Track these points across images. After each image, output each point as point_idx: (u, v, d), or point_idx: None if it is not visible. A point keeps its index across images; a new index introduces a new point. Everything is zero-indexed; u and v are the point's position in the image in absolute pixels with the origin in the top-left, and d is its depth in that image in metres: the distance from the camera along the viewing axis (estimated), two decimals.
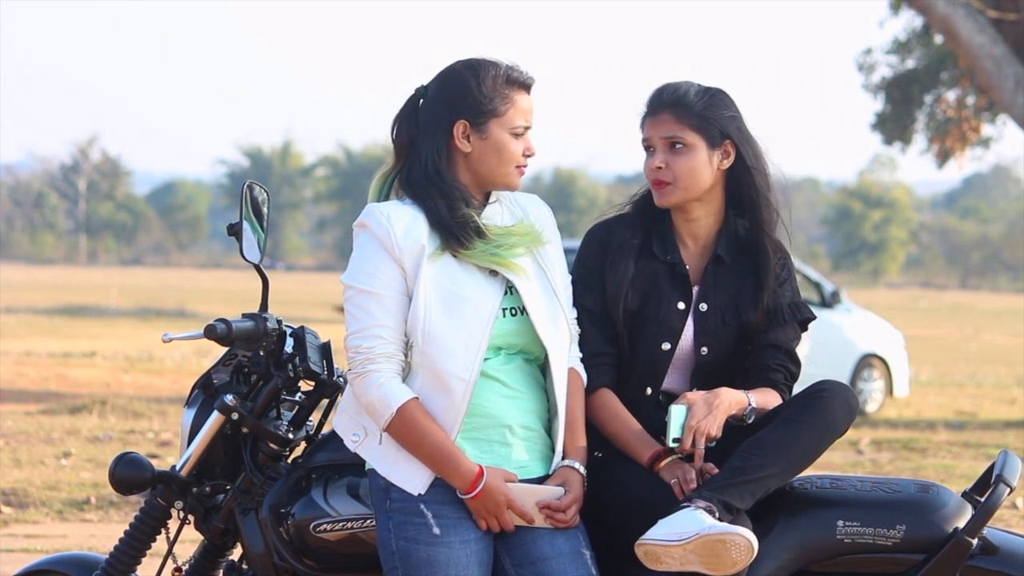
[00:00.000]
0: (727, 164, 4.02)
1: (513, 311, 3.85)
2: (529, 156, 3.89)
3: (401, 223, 3.80)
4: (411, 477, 3.78)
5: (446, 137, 3.85)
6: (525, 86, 3.89)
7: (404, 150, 3.89)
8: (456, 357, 3.77)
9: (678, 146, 3.98)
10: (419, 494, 3.77)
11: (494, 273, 3.84)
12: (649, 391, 4.02)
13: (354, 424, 3.86)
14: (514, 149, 3.86)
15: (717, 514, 3.70)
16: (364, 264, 3.81)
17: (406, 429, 3.76)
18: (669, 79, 4.11)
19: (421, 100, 3.90)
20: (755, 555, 3.69)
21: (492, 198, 3.92)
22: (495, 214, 3.90)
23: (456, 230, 3.80)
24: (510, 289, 3.85)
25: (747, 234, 4.05)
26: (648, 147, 4.03)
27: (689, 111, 3.99)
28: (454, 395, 3.77)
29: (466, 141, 3.85)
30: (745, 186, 4.02)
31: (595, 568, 3.82)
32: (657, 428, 3.97)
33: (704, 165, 3.99)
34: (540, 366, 3.89)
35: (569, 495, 3.82)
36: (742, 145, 4.01)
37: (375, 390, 3.76)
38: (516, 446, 3.84)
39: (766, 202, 4.03)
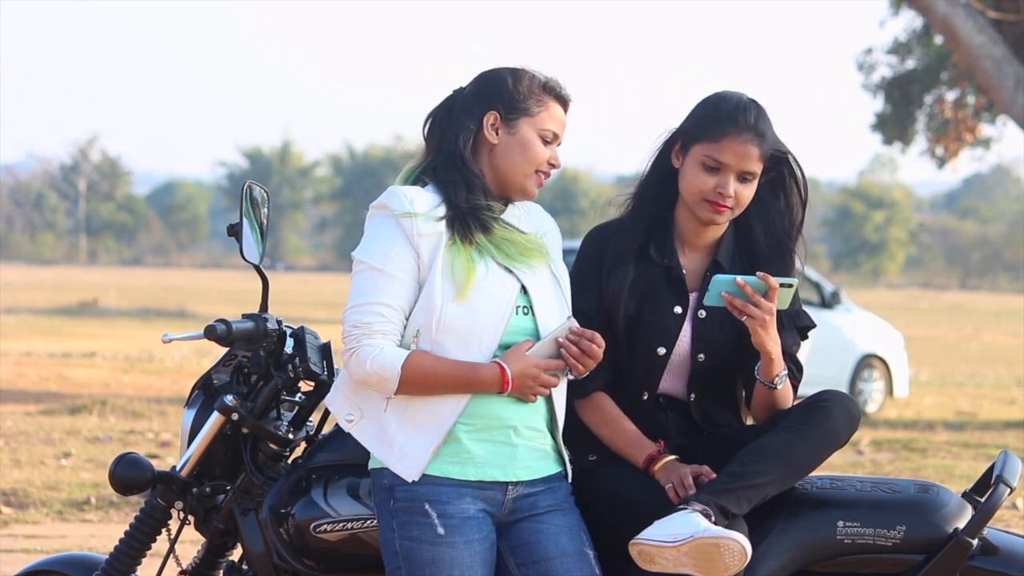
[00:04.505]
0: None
1: (526, 309, 3.84)
2: (554, 167, 3.89)
3: (423, 208, 3.79)
4: (406, 462, 3.75)
5: (476, 125, 3.86)
6: (561, 99, 3.91)
7: (434, 146, 3.90)
8: (469, 348, 3.76)
9: (749, 177, 3.96)
10: (413, 480, 3.75)
11: (510, 270, 3.84)
12: (646, 396, 4.01)
13: (348, 404, 3.84)
14: (540, 150, 3.86)
15: (713, 518, 3.70)
16: (379, 242, 3.79)
17: (417, 378, 3.73)
18: (722, 94, 4.00)
19: (456, 100, 3.92)
20: (748, 560, 3.69)
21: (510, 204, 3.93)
22: (514, 218, 3.90)
23: (470, 216, 3.80)
24: (524, 288, 3.85)
25: (751, 243, 4.04)
26: (716, 166, 3.95)
27: (767, 144, 3.96)
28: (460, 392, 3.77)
29: (494, 133, 3.86)
30: (774, 206, 4.03)
31: (598, 568, 3.83)
32: (653, 431, 3.97)
33: (754, 191, 4.00)
34: None
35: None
36: (794, 172, 4.02)
37: (371, 362, 3.73)
38: (520, 446, 3.83)
39: (792, 221, 4.04)
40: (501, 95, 3.87)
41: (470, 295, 3.77)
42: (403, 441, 3.77)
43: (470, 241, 3.80)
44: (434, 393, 3.75)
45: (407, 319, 3.79)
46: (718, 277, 3.85)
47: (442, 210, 3.80)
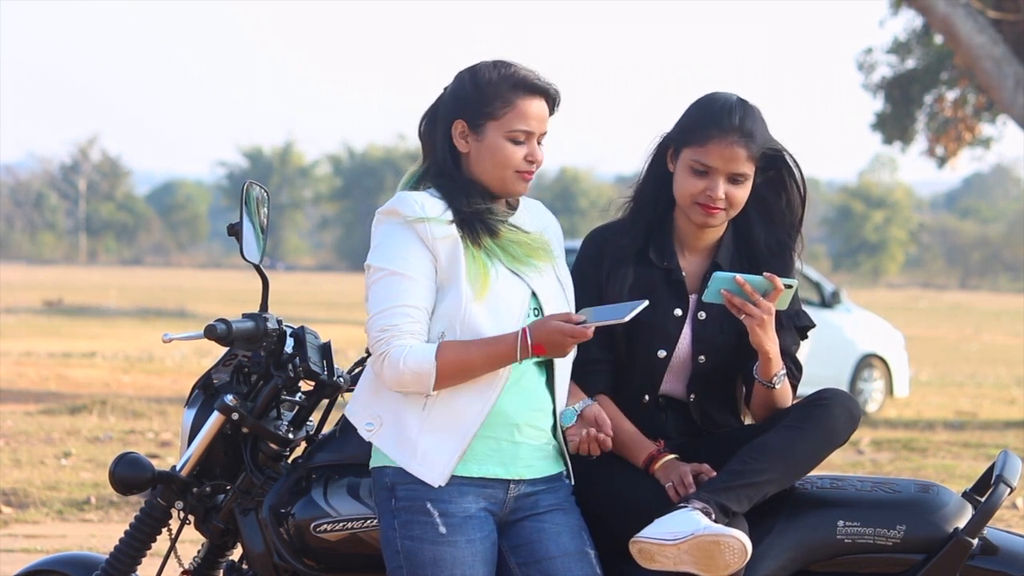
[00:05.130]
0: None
1: (536, 311, 3.84)
2: (532, 163, 3.84)
3: (435, 213, 3.77)
4: (430, 466, 3.74)
5: (446, 135, 3.84)
6: (534, 90, 3.83)
7: (428, 149, 3.89)
8: None
9: (740, 179, 3.95)
10: (439, 485, 3.74)
11: (516, 273, 3.83)
12: (647, 398, 4.01)
13: (368, 413, 3.82)
14: (509, 154, 3.81)
15: (713, 516, 3.70)
16: (395, 247, 3.76)
17: (452, 366, 3.70)
18: (709, 95, 3.99)
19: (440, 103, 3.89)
20: (748, 558, 3.68)
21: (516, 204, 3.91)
22: (520, 219, 3.89)
23: (476, 221, 3.78)
24: (532, 291, 3.84)
25: (753, 245, 4.03)
26: (705, 169, 3.94)
27: (755, 144, 3.94)
28: (488, 389, 3.75)
29: (464, 141, 3.84)
30: (775, 205, 4.01)
31: (599, 567, 3.83)
32: (653, 431, 3.97)
33: (748, 192, 3.99)
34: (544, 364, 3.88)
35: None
36: (791, 171, 4.00)
37: (403, 361, 3.69)
38: (523, 445, 3.83)
39: (792, 219, 4.03)
40: (465, 102, 3.82)
41: (487, 297, 3.76)
42: (426, 447, 3.75)
43: (479, 245, 3.79)
44: (471, 376, 3.72)
45: (430, 320, 3.78)
46: (718, 274, 3.85)
47: (451, 215, 3.79)
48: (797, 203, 4.05)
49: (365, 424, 3.81)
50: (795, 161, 4.03)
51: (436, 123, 3.87)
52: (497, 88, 3.81)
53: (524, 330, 3.71)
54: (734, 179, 3.94)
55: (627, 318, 3.70)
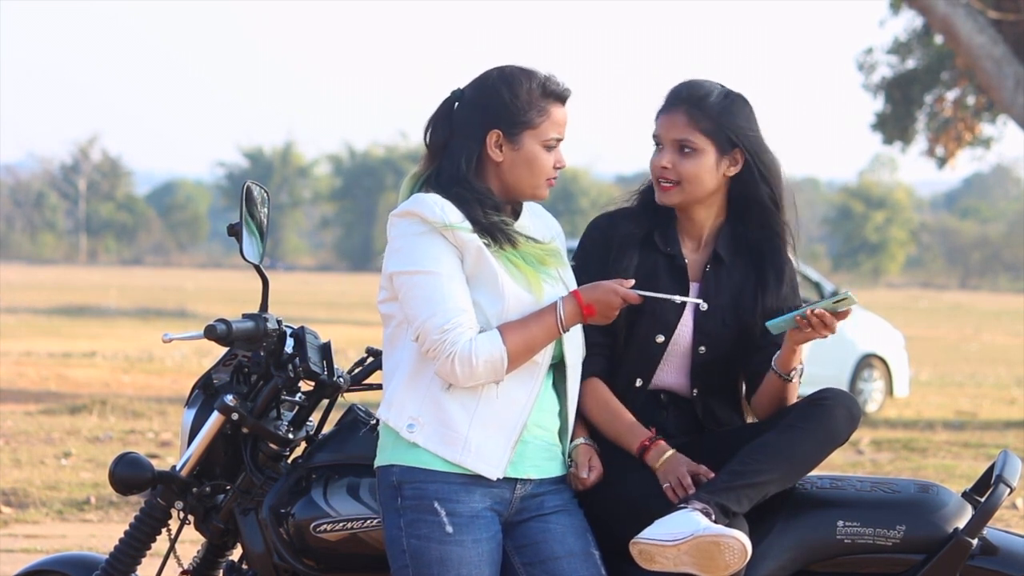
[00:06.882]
0: (734, 171, 4.00)
1: None
2: (560, 168, 3.87)
3: (457, 219, 3.77)
4: (487, 460, 3.75)
5: (478, 145, 3.82)
6: (561, 98, 3.86)
7: (437, 152, 3.86)
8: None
9: (687, 149, 3.96)
10: (497, 479, 3.75)
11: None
12: (639, 383, 4.01)
13: (405, 414, 3.78)
14: (545, 161, 3.84)
15: (713, 516, 3.70)
16: (420, 248, 3.75)
17: (519, 344, 3.72)
18: (684, 78, 4.05)
19: (456, 104, 3.87)
20: (748, 558, 3.69)
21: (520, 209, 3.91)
22: (525, 227, 3.89)
23: (495, 231, 3.79)
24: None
25: (750, 238, 4.04)
26: (658, 143, 4.01)
27: (704, 115, 3.96)
28: (531, 379, 3.78)
29: (498, 151, 3.83)
30: (752, 197, 4.01)
31: (604, 568, 3.83)
32: (646, 420, 3.97)
33: (710, 171, 3.97)
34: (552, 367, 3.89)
35: (594, 472, 3.87)
36: (754, 156, 3.99)
37: (474, 357, 3.69)
38: (530, 444, 3.83)
39: (772, 213, 4.02)
40: (500, 111, 3.81)
41: (525, 293, 3.78)
42: (479, 441, 3.75)
43: (500, 253, 3.79)
44: (535, 352, 3.76)
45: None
46: (775, 322, 3.85)
47: (469, 224, 3.78)
48: (775, 183, 4.04)
49: (406, 426, 3.78)
50: (752, 150, 3.99)
51: (455, 129, 3.84)
52: (533, 98, 3.83)
53: (575, 292, 3.76)
54: (681, 148, 3.96)
55: (678, 298, 3.83)
